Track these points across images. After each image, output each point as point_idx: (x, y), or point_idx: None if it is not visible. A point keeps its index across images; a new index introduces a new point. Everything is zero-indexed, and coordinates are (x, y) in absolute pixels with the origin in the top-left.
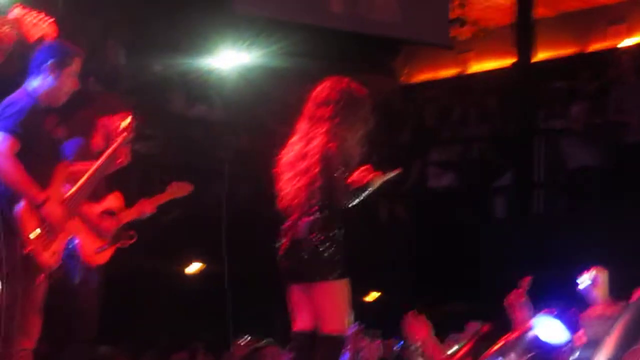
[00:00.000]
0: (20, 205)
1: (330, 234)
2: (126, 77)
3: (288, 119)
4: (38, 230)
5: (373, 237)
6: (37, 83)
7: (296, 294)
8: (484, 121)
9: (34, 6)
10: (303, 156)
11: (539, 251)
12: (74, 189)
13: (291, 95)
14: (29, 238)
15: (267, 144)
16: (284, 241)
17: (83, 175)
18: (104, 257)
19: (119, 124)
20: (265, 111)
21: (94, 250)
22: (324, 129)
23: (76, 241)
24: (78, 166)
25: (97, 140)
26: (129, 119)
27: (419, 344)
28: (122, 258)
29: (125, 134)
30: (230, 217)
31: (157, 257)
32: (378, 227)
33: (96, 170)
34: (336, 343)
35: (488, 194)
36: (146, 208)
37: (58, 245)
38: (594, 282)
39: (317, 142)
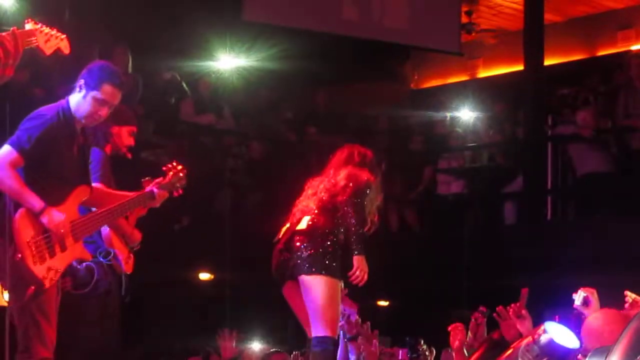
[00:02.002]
0: (20, 212)
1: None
2: (135, 85)
3: (298, 127)
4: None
5: (383, 243)
6: (76, 101)
7: (292, 300)
8: (493, 127)
9: (42, 16)
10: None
11: (549, 257)
12: (89, 214)
13: (302, 102)
14: (22, 244)
15: (277, 152)
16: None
17: (111, 202)
18: (131, 265)
19: (171, 170)
20: (276, 119)
21: (125, 260)
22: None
23: (114, 251)
24: (114, 193)
25: (108, 150)
26: (182, 172)
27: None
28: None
29: (172, 180)
30: (239, 224)
31: (168, 265)
32: (388, 233)
33: (124, 204)
34: (323, 345)
35: (498, 200)
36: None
37: (57, 263)
38: (586, 303)
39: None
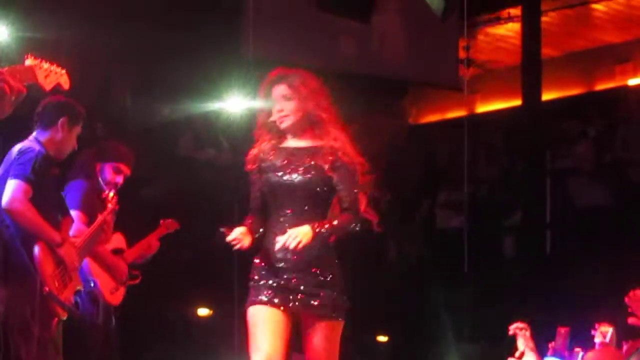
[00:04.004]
0: (38, 247)
1: None
2: (133, 120)
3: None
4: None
5: (382, 278)
6: (46, 136)
7: None
8: (492, 162)
9: (43, 53)
10: None
11: (549, 291)
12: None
13: None
14: (48, 277)
15: None
16: None
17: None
18: (118, 298)
19: (108, 195)
20: None
21: (110, 291)
22: None
23: (95, 282)
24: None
25: (95, 185)
26: (112, 194)
27: None
28: (132, 299)
29: (111, 206)
30: (240, 260)
31: (167, 299)
32: (387, 268)
33: (88, 237)
34: None
35: (497, 235)
36: (147, 247)
37: (68, 293)
38: (608, 339)
39: None
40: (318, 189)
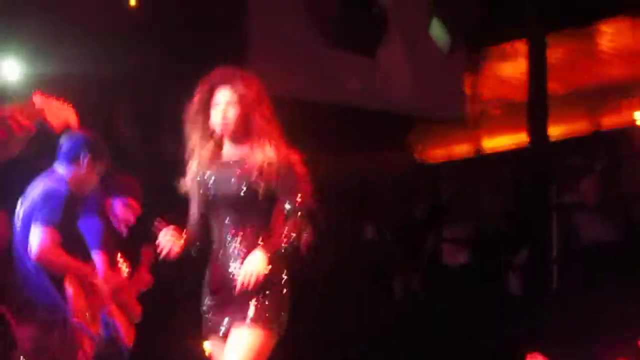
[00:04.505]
0: (68, 280)
1: None
2: (142, 154)
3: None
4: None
5: (386, 314)
6: (69, 173)
7: None
8: (498, 197)
9: (51, 87)
10: None
11: (555, 327)
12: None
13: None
14: (78, 310)
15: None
16: None
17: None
18: (131, 339)
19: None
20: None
21: (127, 331)
22: None
23: (113, 322)
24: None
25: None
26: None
27: None
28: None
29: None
30: None
31: (173, 336)
32: (391, 303)
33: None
34: None
35: (503, 270)
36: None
37: (95, 329)
38: None
39: None
40: (253, 199)
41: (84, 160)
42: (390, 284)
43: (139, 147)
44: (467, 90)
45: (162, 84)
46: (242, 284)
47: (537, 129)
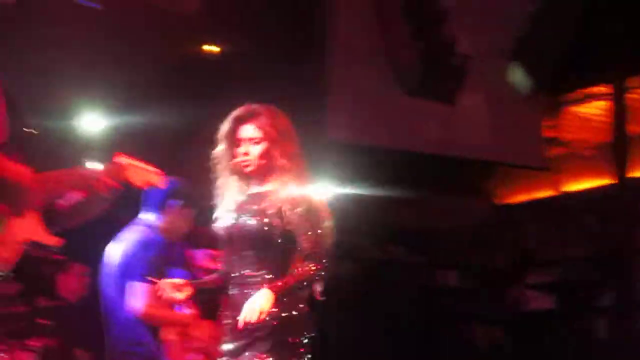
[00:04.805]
0: (166, 330)
1: None
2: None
3: (383, 246)
4: None
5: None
6: (161, 221)
7: None
8: (582, 241)
9: (134, 142)
10: None
11: None
12: None
13: (385, 222)
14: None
15: (357, 272)
16: None
17: None
18: None
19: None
20: (358, 239)
21: None
22: None
23: None
24: None
25: (191, 272)
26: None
27: None
28: None
29: None
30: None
31: None
32: (475, 353)
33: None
34: None
35: (589, 315)
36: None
37: None
38: None
39: None
40: (271, 239)
41: (175, 207)
42: (473, 331)
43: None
44: (548, 134)
45: None
46: (245, 320)
47: (620, 171)
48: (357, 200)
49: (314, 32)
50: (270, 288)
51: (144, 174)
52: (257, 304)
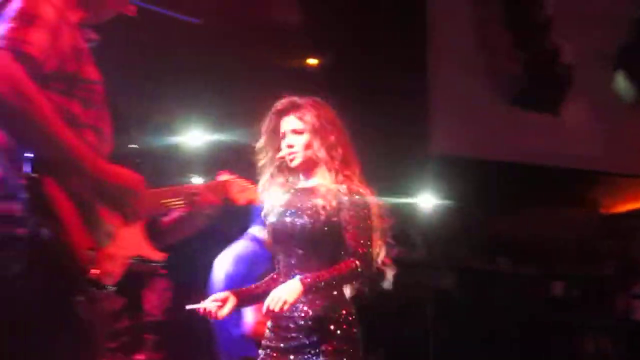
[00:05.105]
0: None
1: None
2: None
3: (489, 257)
4: None
5: None
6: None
7: None
8: None
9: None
10: None
11: None
12: None
13: (491, 234)
14: None
15: (464, 283)
16: None
17: None
18: None
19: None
20: (467, 251)
21: None
22: None
23: None
24: None
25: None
26: None
27: None
28: None
29: None
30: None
31: None
32: None
33: None
34: None
35: None
36: None
37: None
38: None
39: None
40: (319, 233)
41: None
42: (580, 342)
43: None
44: None
45: None
46: (268, 307)
47: None
48: (462, 213)
49: (414, 44)
50: (301, 279)
51: (245, 191)
52: (284, 294)
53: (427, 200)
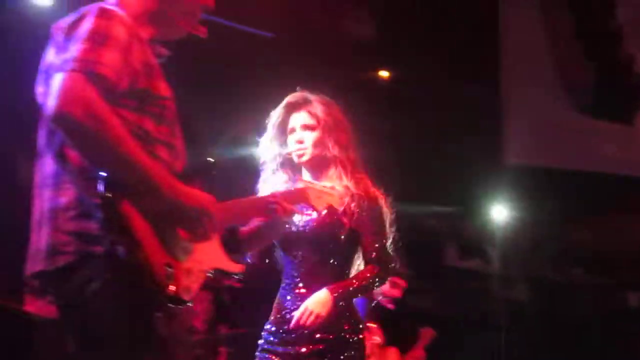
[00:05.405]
0: None
1: None
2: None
3: (562, 267)
4: None
5: None
6: None
7: None
8: None
9: None
10: None
11: None
12: None
13: (564, 244)
14: None
15: (542, 295)
16: None
17: None
18: None
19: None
20: (541, 261)
21: None
22: None
23: None
24: None
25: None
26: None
27: None
28: None
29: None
30: None
31: None
32: None
33: None
34: None
35: None
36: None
37: None
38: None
39: None
40: (332, 236)
41: None
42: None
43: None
44: None
45: (421, 164)
46: (299, 320)
47: None
48: (535, 222)
49: (486, 55)
50: (330, 291)
51: (324, 197)
52: (315, 307)
53: (500, 211)
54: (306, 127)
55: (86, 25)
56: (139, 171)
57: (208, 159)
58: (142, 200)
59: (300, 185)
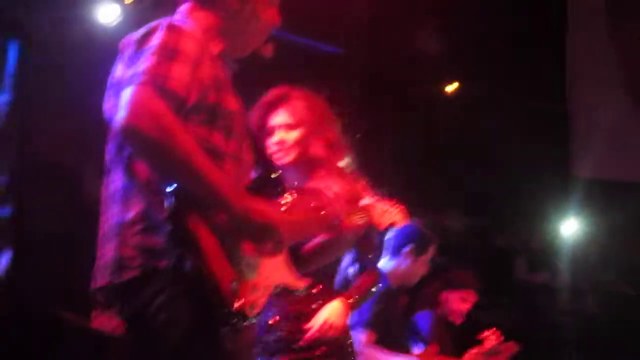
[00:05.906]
0: None
1: None
2: (470, 248)
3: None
4: None
5: None
6: (391, 265)
7: None
8: None
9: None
10: None
11: None
12: None
13: (634, 257)
14: None
15: (613, 309)
16: None
17: None
18: None
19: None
20: (612, 275)
21: None
22: None
23: None
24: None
25: (440, 314)
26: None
27: None
28: None
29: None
30: None
31: None
32: None
33: None
34: None
35: None
36: None
37: None
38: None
39: None
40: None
41: (405, 251)
42: None
43: (470, 242)
44: None
45: (490, 178)
46: (317, 332)
47: None
48: (604, 236)
49: (553, 68)
50: (343, 300)
51: (387, 214)
52: (333, 319)
53: (570, 224)
54: (286, 127)
55: (155, 40)
56: (209, 185)
57: (273, 174)
58: (210, 214)
59: (366, 201)
